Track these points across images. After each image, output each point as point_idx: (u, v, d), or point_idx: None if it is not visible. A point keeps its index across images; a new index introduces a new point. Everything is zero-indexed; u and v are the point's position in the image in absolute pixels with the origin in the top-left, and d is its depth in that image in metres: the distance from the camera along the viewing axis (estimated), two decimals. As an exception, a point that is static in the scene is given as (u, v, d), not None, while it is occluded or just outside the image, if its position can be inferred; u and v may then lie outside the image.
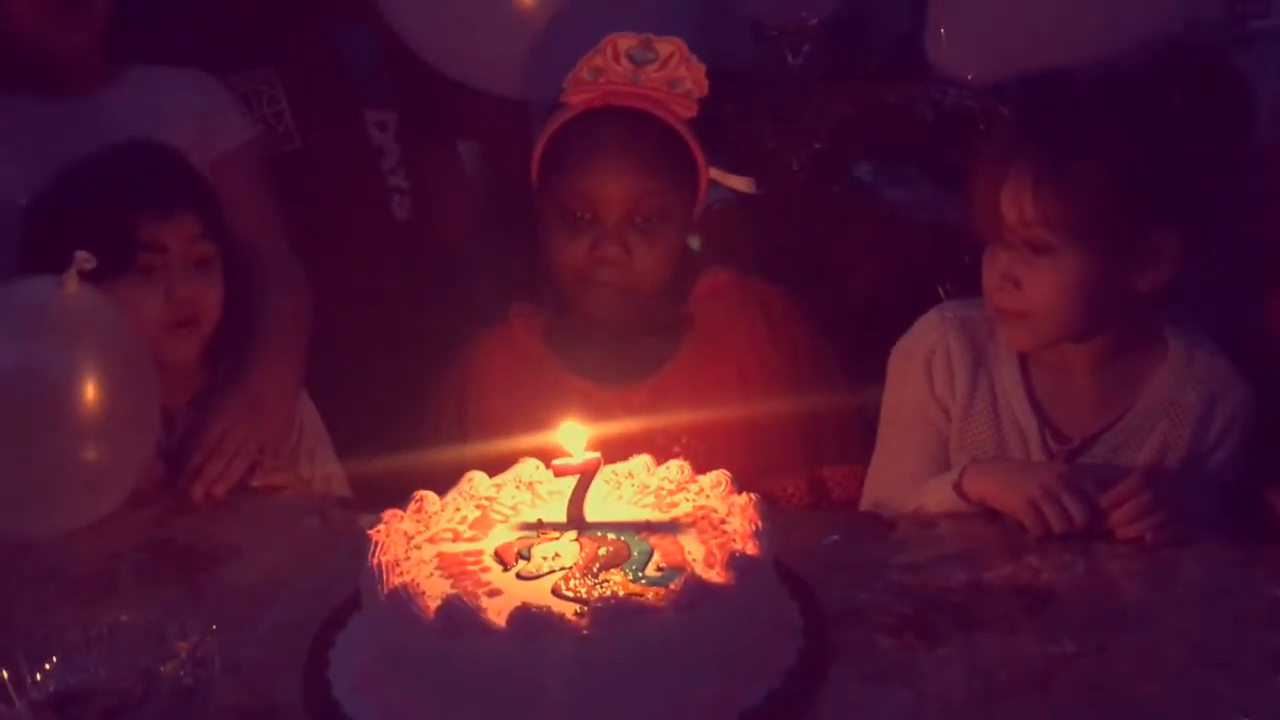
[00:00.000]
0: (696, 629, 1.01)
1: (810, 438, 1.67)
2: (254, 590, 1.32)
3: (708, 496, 1.21)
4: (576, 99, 1.62)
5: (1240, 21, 3.04)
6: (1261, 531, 1.36)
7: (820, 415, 1.67)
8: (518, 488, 1.25)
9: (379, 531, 1.14)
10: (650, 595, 1.03)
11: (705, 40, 1.68)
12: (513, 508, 1.23)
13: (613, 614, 1.00)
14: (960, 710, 1.06)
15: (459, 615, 1.00)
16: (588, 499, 1.18)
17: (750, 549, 1.09)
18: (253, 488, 1.60)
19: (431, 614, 1.01)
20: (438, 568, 1.12)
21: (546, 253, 1.64)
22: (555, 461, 1.20)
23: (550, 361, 1.69)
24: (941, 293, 1.80)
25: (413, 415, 1.75)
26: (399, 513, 1.18)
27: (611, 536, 1.14)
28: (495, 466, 1.27)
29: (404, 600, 1.03)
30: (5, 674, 1.06)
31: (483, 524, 1.20)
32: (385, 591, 1.06)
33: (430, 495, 1.21)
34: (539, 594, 1.05)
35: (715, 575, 1.05)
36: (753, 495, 1.17)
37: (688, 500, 1.21)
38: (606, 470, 1.24)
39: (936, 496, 1.45)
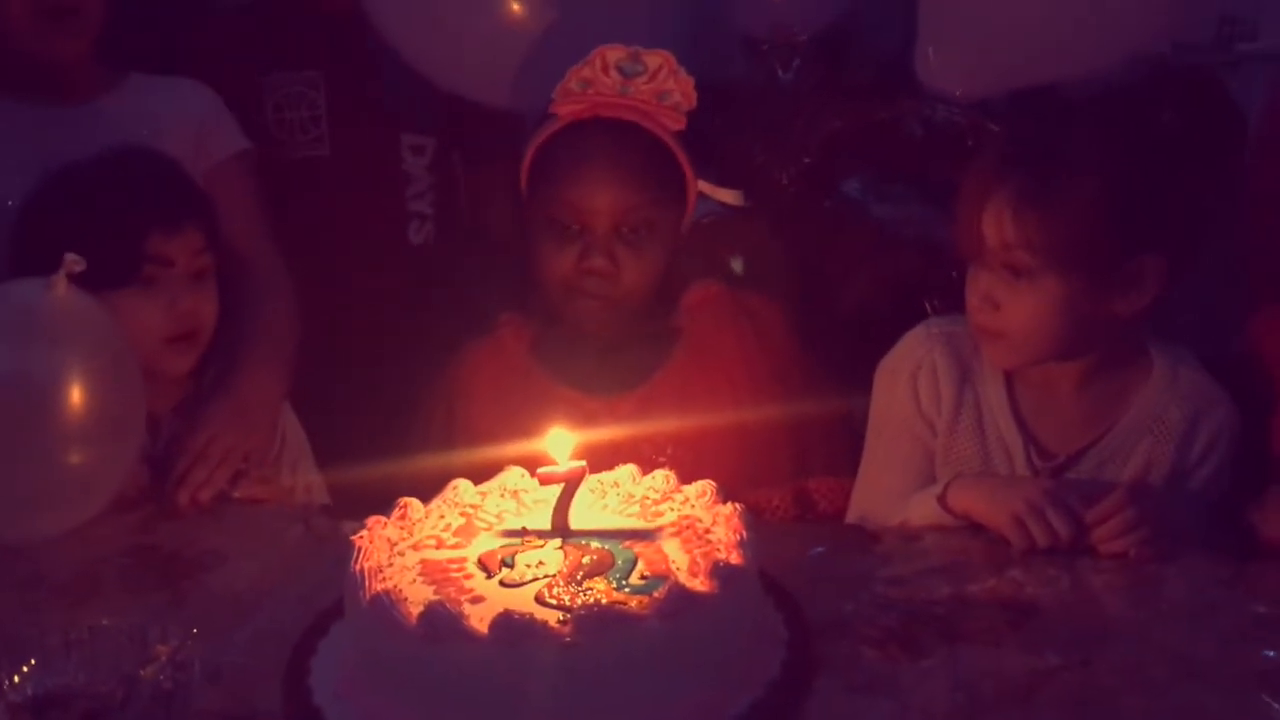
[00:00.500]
0: (680, 638, 1.01)
1: (797, 450, 1.67)
2: (237, 597, 1.32)
3: (693, 506, 1.21)
4: (565, 110, 1.62)
5: (1227, 44, 3.07)
6: (1245, 548, 1.36)
7: (807, 428, 1.67)
8: (503, 496, 1.25)
9: (362, 538, 1.14)
10: (634, 604, 1.03)
11: (695, 54, 1.69)
12: (497, 515, 1.22)
13: (596, 622, 1.00)
14: (944, 722, 1.06)
15: (441, 621, 1.00)
16: (572, 507, 1.18)
17: (735, 559, 1.09)
18: (235, 498, 1.60)
19: (414, 620, 1.00)
20: (421, 574, 1.11)
21: (534, 262, 1.64)
22: (540, 470, 1.20)
23: (538, 371, 1.69)
24: (929, 308, 1.81)
25: (402, 425, 1.75)
26: (383, 519, 1.17)
27: (596, 545, 1.14)
28: (482, 475, 1.27)
29: (386, 606, 1.02)
30: (-16, 676, 1.05)
31: (467, 531, 1.19)
32: (367, 597, 1.05)
33: (414, 502, 1.20)
34: (522, 601, 1.05)
35: (699, 584, 1.05)
36: (737, 505, 1.17)
37: (673, 510, 1.21)
38: (592, 479, 1.24)
39: (922, 510, 1.45)
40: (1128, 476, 1.46)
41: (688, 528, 1.18)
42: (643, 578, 1.09)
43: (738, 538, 1.12)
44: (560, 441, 1.20)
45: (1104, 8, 1.68)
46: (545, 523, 1.18)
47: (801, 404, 1.66)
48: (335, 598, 1.16)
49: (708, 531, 1.16)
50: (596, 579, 1.08)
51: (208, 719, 1.08)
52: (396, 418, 1.76)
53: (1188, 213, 1.43)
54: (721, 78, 1.90)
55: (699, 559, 1.10)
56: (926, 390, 1.54)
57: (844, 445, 1.67)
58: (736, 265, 1.84)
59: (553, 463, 1.19)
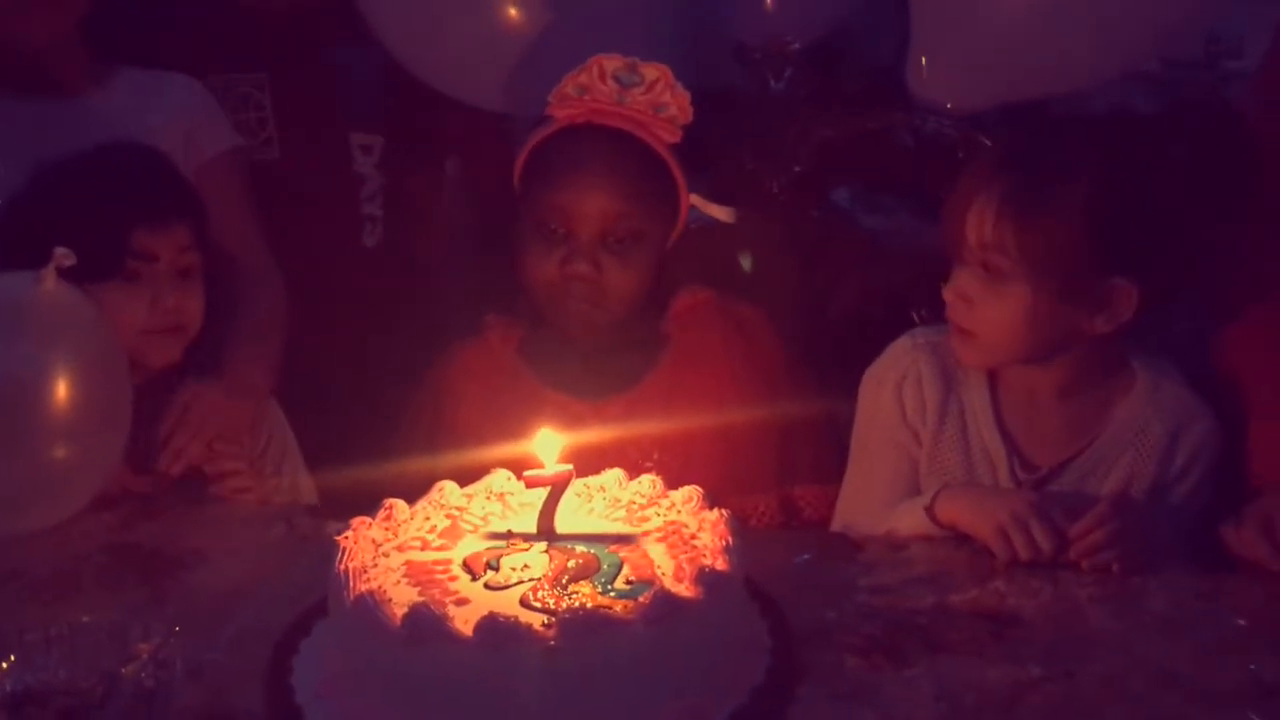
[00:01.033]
0: (664, 643, 1.01)
1: (783, 457, 1.67)
2: (219, 595, 1.31)
3: (679, 511, 1.21)
4: (561, 113, 1.62)
5: (1214, 62, 3.09)
6: (1227, 562, 1.37)
7: (793, 435, 1.68)
8: (489, 498, 1.25)
9: (346, 538, 1.13)
10: (619, 608, 1.03)
11: (689, 61, 1.69)
12: (483, 518, 1.22)
13: (580, 625, 1.00)
14: (927, 731, 1.06)
15: (425, 623, 0.99)
16: (558, 511, 1.18)
17: (720, 564, 1.09)
18: (216, 497, 1.59)
19: (398, 621, 1.00)
20: (405, 575, 1.11)
21: (521, 264, 1.64)
22: (527, 473, 1.20)
23: (525, 373, 1.69)
24: (916, 318, 1.81)
25: (380, 431, 1.74)
26: (367, 520, 1.17)
27: (581, 549, 1.14)
28: (469, 477, 1.27)
29: (370, 607, 1.02)
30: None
31: (452, 533, 1.19)
32: (352, 598, 1.05)
33: (399, 504, 1.20)
34: (507, 604, 1.05)
35: (684, 590, 1.05)
36: (724, 511, 1.17)
37: (659, 515, 1.21)
38: (578, 483, 1.24)
39: (908, 519, 1.46)
40: (1109, 490, 1.47)
41: (673, 533, 1.18)
42: (628, 582, 1.09)
43: (723, 544, 1.12)
44: (547, 444, 1.20)
45: (1095, 23, 1.69)
46: (531, 526, 1.18)
47: (788, 411, 1.67)
48: (318, 597, 1.16)
49: (693, 537, 1.16)
50: (581, 583, 1.08)
51: (189, 717, 1.08)
52: (371, 428, 1.75)
53: (1176, 248, 1.44)
54: (714, 86, 1.90)
55: (684, 564, 1.10)
56: (911, 399, 1.55)
57: (830, 453, 1.67)
58: (746, 262, 1.84)
59: (539, 466, 1.19)
